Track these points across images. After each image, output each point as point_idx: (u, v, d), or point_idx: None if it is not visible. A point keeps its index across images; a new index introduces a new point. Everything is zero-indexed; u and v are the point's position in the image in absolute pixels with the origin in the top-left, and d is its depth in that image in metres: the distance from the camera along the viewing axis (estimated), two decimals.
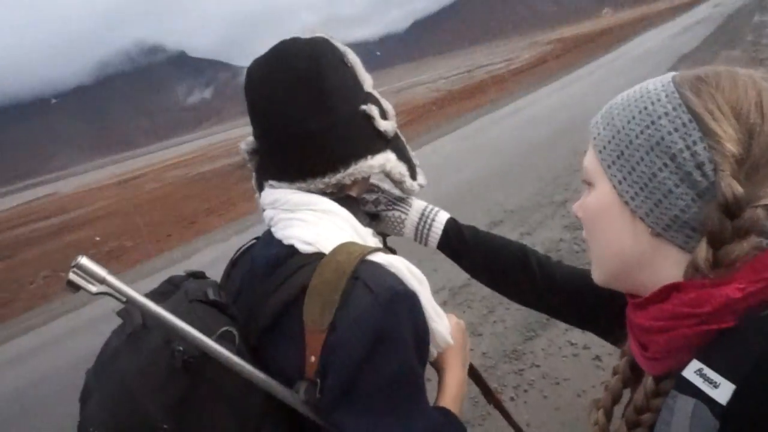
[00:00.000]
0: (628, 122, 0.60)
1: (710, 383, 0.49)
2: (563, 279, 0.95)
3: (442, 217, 1.03)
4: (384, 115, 0.88)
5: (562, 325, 3.41)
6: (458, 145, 11.88)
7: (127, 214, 15.63)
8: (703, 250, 0.53)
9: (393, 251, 0.95)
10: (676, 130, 0.55)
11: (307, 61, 0.80)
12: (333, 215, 0.82)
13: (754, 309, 0.50)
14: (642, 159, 0.58)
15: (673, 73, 0.61)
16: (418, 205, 1.03)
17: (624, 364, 0.70)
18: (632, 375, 0.69)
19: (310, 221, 0.80)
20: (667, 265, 0.59)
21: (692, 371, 0.51)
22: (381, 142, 0.87)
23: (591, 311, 0.89)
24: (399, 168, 0.89)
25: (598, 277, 0.69)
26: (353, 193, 0.89)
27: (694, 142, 0.54)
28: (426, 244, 1.03)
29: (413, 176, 0.93)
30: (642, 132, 0.58)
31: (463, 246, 1.00)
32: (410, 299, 0.75)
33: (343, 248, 0.76)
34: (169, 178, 28.16)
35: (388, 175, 0.89)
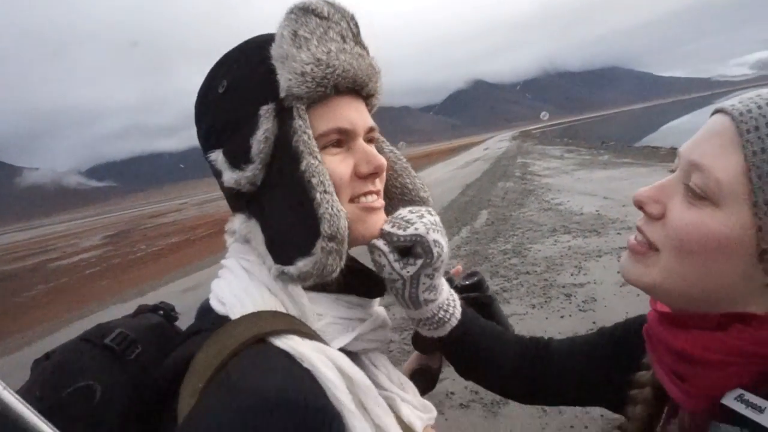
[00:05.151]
0: None
1: (755, 408, 0.44)
2: (560, 365, 0.76)
3: (458, 313, 0.79)
4: (242, 157, 0.61)
5: None
6: None
7: None
8: None
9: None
10: None
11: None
12: (259, 268, 0.63)
13: None
14: None
15: None
16: (446, 288, 0.80)
17: (648, 393, 0.59)
18: (656, 403, 0.59)
19: (237, 273, 0.64)
20: (756, 302, 0.49)
21: (732, 398, 0.46)
22: (239, 199, 0.66)
23: (596, 388, 0.72)
24: (257, 243, 0.63)
25: (663, 298, 0.54)
26: None
27: None
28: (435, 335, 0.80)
29: (283, 256, 0.60)
30: None
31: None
32: (299, 416, 0.45)
33: (249, 320, 0.56)
34: None
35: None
